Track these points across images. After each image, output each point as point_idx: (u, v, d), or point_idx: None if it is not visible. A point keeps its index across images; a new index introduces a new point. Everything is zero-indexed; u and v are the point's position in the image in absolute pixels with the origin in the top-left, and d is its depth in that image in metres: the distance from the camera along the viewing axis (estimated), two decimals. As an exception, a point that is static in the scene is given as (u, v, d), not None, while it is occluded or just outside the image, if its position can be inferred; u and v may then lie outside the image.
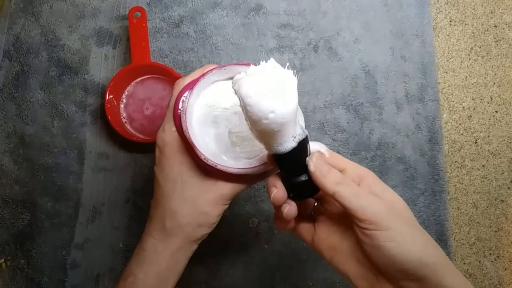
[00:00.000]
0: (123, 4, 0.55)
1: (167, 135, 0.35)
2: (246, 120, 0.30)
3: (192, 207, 0.35)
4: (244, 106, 0.28)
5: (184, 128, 0.34)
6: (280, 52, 0.55)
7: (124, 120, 0.52)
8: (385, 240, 0.29)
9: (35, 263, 0.51)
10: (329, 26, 0.56)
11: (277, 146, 0.31)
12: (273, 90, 0.28)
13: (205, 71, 0.36)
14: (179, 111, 0.35)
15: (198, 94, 0.35)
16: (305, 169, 0.32)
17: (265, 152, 0.35)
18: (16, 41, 0.54)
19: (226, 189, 0.35)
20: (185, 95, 0.35)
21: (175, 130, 0.35)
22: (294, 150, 0.31)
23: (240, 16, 0.56)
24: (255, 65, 0.30)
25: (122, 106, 0.53)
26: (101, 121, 0.53)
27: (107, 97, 0.50)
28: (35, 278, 0.51)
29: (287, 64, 0.31)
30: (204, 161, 0.34)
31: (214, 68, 0.35)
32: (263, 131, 0.29)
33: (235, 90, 0.29)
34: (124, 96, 0.53)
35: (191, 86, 0.36)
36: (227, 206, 0.37)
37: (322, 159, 0.32)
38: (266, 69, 0.29)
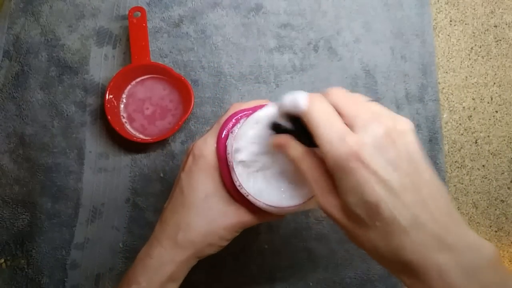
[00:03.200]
0: (123, 4, 0.55)
1: (207, 148, 0.35)
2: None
3: (209, 226, 0.35)
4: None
5: (229, 150, 0.34)
6: (280, 52, 0.55)
7: (124, 120, 0.52)
8: None
9: (35, 263, 0.51)
10: (329, 26, 0.56)
11: None
12: None
13: (260, 104, 0.37)
14: (226, 131, 0.35)
15: (251, 125, 0.36)
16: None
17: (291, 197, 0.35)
18: (16, 41, 0.54)
19: (245, 218, 0.36)
20: (240, 116, 0.36)
21: (216, 147, 0.36)
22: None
23: (240, 16, 0.56)
24: None
25: (122, 106, 0.53)
26: (101, 121, 0.53)
27: (107, 97, 0.50)
28: (35, 278, 0.50)
29: None
30: (238, 187, 0.34)
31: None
32: None
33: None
34: (124, 96, 0.53)
35: (247, 111, 0.36)
36: (238, 234, 0.37)
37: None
38: None
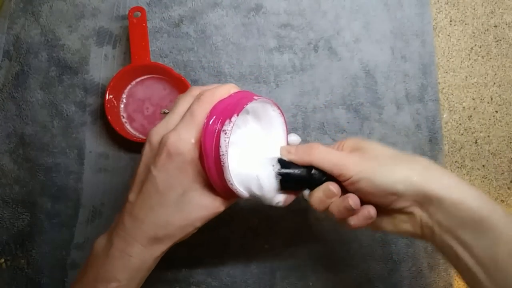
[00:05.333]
0: (123, 4, 0.55)
1: (184, 145, 0.34)
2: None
3: (187, 220, 0.35)
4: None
5: (223, 151, 0.33)
6: (280, 52, 0.55)
7: (124, 120, 0.52)
8: (358, 180, 0.35)
9: (35, 263, 0.51)
10: (329, 26, 0.56)
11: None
12: None
13: (237, 92, 0.36)
14: (213, 128, 0.34)
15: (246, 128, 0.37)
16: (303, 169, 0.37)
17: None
18: (16, 41, 0.54)
19: (219, 209, 0.36)
20: (228, 113, 0.35)
21: (195, 143, 0.34)
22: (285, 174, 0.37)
23: (240, 16, 0.56)
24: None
25: (122, 106, 0.53)
26: (101, 121, 0.53)
27: (107, 97, 0.50)
28: (35, 278, 0.51)
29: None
30: (230, 186, 0.34)
31: (259, 98, 0.36)
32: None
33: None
34: (124, 96, 0.53)
35: (231, 106, 0.35)
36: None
37: (289, 147, 0.39)
38: None
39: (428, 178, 0.34)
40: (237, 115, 0.34)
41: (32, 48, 0.54)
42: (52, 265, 0.51)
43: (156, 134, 0.35)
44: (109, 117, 0.50)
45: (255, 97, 0.36)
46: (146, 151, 0.36)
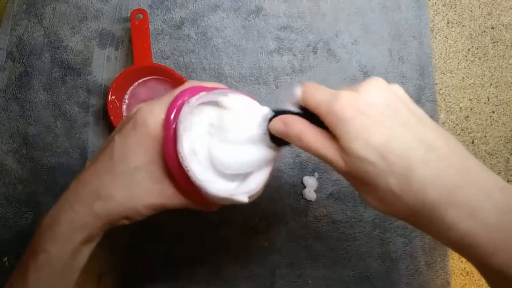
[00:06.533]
0: (125, 6, 0.56)
1: (152, 118, 0.32)
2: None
3: (129, 200, 0.33)
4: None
5: (181, 119, 0.32)
6: (280, 53, 0.56)
7: (126, 121, 0.53)
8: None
9: (38, 262, 0.51)
10: (328, 28, 0.57)
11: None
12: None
13: (219, 87, 0.36)
14: (180, 101, 0.33)
15: (202, 103, 0.35)
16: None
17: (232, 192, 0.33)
18: (19, 43, 0.54)
19: (168, 201, 0.34)
20: (199, 91, 0.34)
21: (163, 118, 0.33)
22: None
23: (240, 18, 0.56)
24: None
25: (124, 107, 0.53)
26: (103, 121, 0.53)
27: (109, 98, 0.51)
28: (38, 277, 0.51)
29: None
30: (180, 159, 0.31)
31: (230, 90, 0.35)
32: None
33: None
34: (126, 97, 0.53)
35: (206, 88, 0.35)
36: (157, 212, 0.35)
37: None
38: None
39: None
40: (207, 93, 0.33)
41: (35, 49, 0.54)
42: (55, 263, 0.51)
43: (136, 108, 0.34)
44: (111, 118, 0.50)
45: (228, 91, 0.35)
46: (123, 121, 0.34)
